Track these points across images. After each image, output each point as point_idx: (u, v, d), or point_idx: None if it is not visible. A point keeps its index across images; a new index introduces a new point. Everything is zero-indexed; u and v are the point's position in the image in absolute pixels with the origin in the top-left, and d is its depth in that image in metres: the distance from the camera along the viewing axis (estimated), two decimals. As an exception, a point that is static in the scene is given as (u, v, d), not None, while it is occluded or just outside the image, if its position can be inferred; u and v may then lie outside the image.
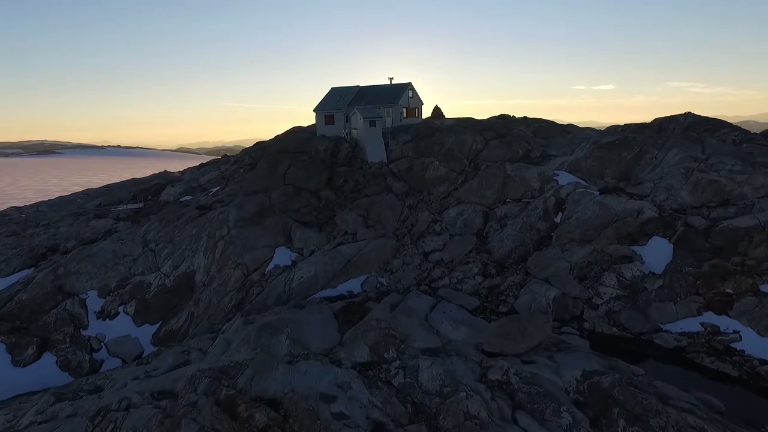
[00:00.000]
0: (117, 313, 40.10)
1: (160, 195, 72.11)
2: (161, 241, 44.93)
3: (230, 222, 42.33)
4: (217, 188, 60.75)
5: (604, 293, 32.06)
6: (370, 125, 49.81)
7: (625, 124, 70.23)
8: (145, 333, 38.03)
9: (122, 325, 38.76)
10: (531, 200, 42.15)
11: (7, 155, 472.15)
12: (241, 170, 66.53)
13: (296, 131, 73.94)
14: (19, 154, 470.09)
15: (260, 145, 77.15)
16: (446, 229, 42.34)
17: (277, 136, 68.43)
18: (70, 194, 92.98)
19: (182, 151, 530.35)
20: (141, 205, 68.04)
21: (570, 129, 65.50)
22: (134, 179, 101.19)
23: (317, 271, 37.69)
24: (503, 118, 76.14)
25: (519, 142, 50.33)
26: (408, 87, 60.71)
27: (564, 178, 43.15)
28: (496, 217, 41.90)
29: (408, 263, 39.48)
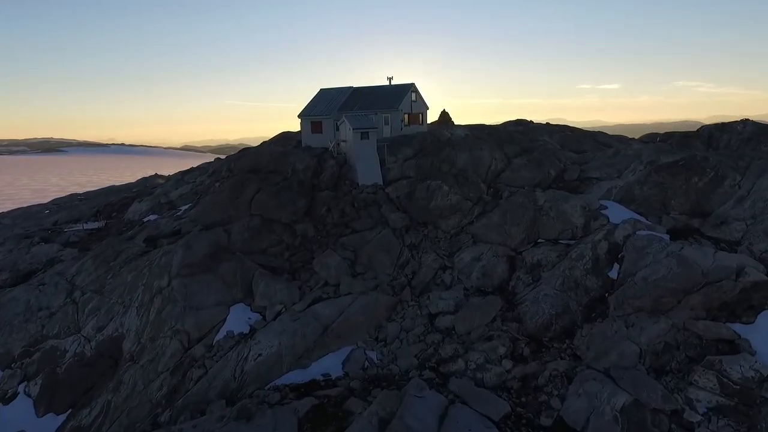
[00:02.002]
0: (15, 395, 29.32)
1: (125, 212, 61.04)
2: (89, 289, 34.05)
3: (173, 269, 31.36)
4: (187, 206, 49.78)
5: (700, 402, 20.94)
6: (361, 137, 38.69)
7: (666, 133, 58.87)
8: (46, 429, 27.20)
9: (18, 414, 27.99)
10: (572, 242, 30.91)
11: (11, 153, 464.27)
12: (217, 184, 55.65)
13: (284, 137, 63.04)
14: (24, 152, 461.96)
15: (245, 153, 66.20)
16: (459, 279, 31.21)
17: (247, 150, 57.45)
18: (39, 205, 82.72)
19: (187, 149, 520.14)
20: (102, 224, 57.03)
21: (603, 138, 54.14)
22: (113, 186, 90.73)
23: (282, 346, 26.71)
24: (522, 124, 64.82)
25: (549, 161, 39.06)
26: (410, 89, 49.51)
27: (616, 213, 31.90)
28: (525, 264, 30.70)
29: (408, 329, 28.42)
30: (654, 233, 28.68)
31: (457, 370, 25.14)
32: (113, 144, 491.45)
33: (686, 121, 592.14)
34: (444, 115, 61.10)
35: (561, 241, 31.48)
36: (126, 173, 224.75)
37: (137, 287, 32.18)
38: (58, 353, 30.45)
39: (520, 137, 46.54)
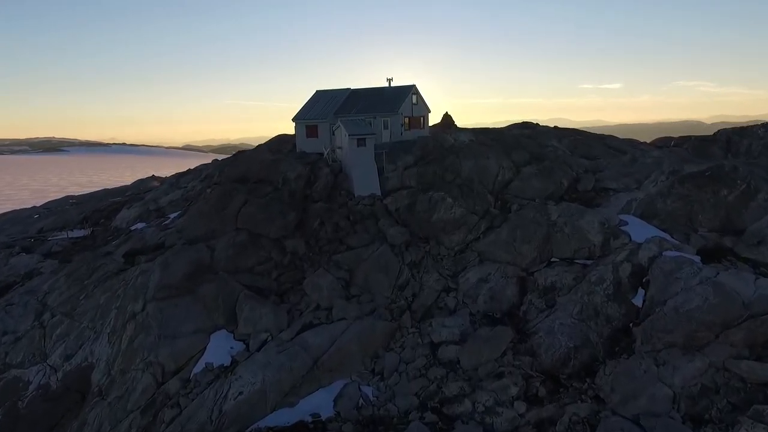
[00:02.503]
0: (-28, 433, 26.20)
1: (114, 218, 57.93)
2: (59, 311, 30.98)
3: (149, 291, 28.24)
4: (176, 214, 46.68)
5: (747, 462, 17.79)
6: (358, 144, 35.51)
7: (680, 137, 55.59)
8: (2, 475, 24.13)
9: (-28, 457, 24.89)
10: (590, 262, 27.73)
11: (13, 152, 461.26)
12: (208, 190, 52.53)
13: (280, 140, 59.92)
14: (25, 152, 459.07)
15: (236, 159, 63.06)
16: (464, 303, 28.05)
17: (242, 153, 54.30)
18: (33, 207, 79.86)
19: (188, 149, 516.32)
20: (88, 232, 53.94)
21: (614, 143, 50.86)
22: (106, 189, 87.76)
23: (266, 382, 23.63)
24: (528, 127, 61.52)
25: (561, 169, 35.83)
26: (411, 90, 46.33)
27: (638, 229, 28.72)
28: (538, 287, 27.52)
29: (407, 361, 25.32)
30: (683, 254, 25.49)
31: (463, 413, 22.03)
32: (114, 144, 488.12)
33: (688, 120, 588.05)
34: (446, 118, 57.91)
35: (577, 261, 28.29)
36: (126, 173, 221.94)
37: (110, 311, 29.09)
38: (21, 385, 27.36)
39: (527, 142, 43.34)
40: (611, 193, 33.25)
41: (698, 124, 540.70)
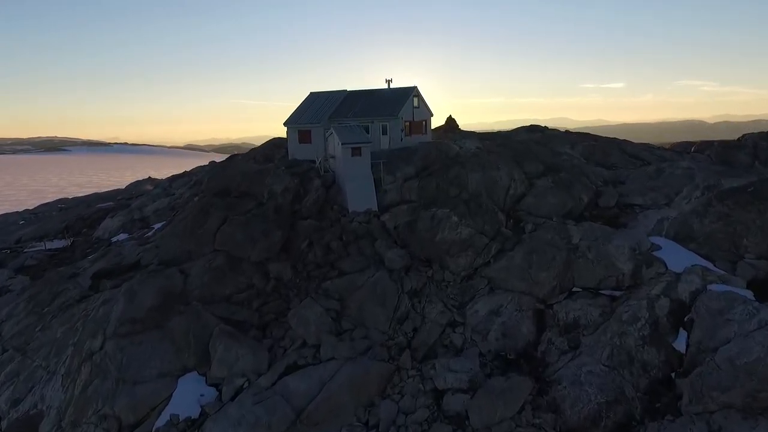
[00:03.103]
0: None
1: (97, 228, 54.05)
2: (11, 345, 27.09)
3: (110, 325, 24.33)
4: (160, 225, 42.77)
5: None
6: (352, 154, 31.49)
7: (702, 142, 51.40)
8: None
9: None
10: (618, 294, 23.72)
11: (16, 152, 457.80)
12: (196, 198, 48.63)
13: (274, 144, 56.01)
14: (27, 151, 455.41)
15: (226, 165, 59.11)
16: (472, 340, 24.08)
17: (235, 157, 50.33)
18: (21, 211, 76.22)
19: (190, 149, 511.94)
20: (68, 243, 50.10)
21: (631, 149, 46.73)
22: (97, 193, 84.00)
23: (239, 441, 19.69)
24: (536, 130, 57.49)
25: (580, 182, 31.75)
26: (412, 93, 42.31)
27: (673, 255, 24.69)
28: (558, 322, 23.54)
29: (407, 411, 21.41)
30: (732, 289, 21.48)
31: (473, 486, 18.10)
32: (116, 143, 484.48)
33: (691, 120, 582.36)
34: (450, 122, 53.86)
35: (603, 292, 24.28)
36: (126, 173, 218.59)
37: (66, 347, 25.20)
38: (-39, 435, 23.53)
39: (539, 150, 39.27)
40: (637, 210, 29.20)
41: (701, 123, 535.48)
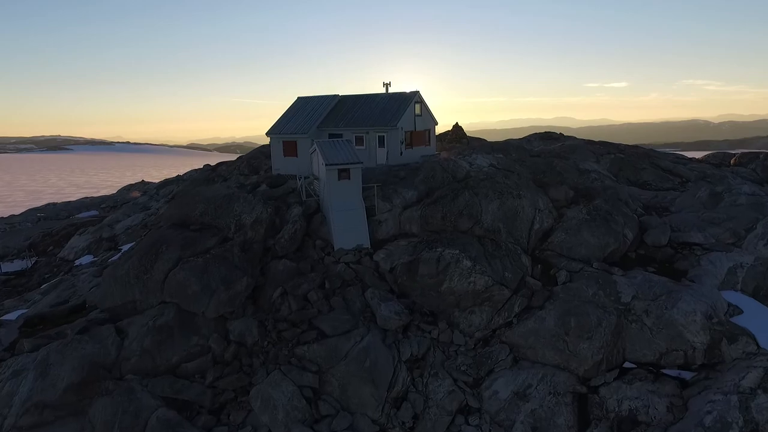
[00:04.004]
0: None
1: (64, 246, 48.01)
2: None
3: (10, 412, 18.12)
4: (129, 246, 36.55)
5: None
6: (339, 176, 25.15)
7: (743, 153, 44.92)
8: None
9: None
10: (691, 376, 17.41)
11: (19, 150, 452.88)
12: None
13: (262, 153, 49.92)
14: (30, 150, 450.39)
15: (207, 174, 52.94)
16: (491, 435, 17.80)
17: (220, 165, 43.94)
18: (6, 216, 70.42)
19: (193, 148, 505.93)
20: (29, 264, 44.07)
21: (663, 162, 40.23)
22: (85, 199, 78.11)
23: None
24: (551, 137, 51.16)
25: (620, 212, 25.23)
26: (413, 99, 36.01)
27: (761, 322, 18.31)
28: (608, 414, 17.23)
29: None
30: None
31: None
32: (118, 142, 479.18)
33: (695, 119, 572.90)
34: (457, 130, 47.50)
35: (667, 372, 17.95)
36: (126, 173, 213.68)
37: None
38: None
39: (562, 166, 32.90)
40: (697, 251, 22.78)
41: (706, 123, 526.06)
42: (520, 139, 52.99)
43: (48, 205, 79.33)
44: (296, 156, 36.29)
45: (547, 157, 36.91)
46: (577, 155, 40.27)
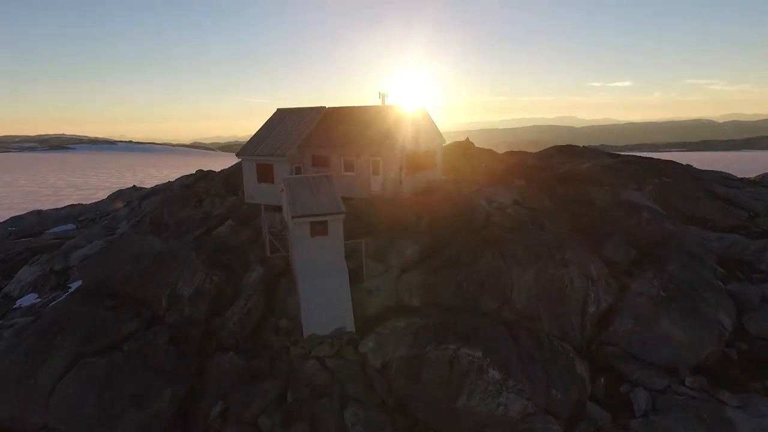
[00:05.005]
0: None
1: (14, 276, 40.35)
2: None
3: None
4: (79, 283, 29.13)
5: None
6: (312, 232, 17.74)
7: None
8: None
9: None
10: None
11: (22, 149, 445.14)
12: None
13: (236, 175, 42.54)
14: (33, 149, 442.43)
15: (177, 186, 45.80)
16: None
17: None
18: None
19: (195, 147, 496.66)
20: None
21: (720, 188, 32.65)
22: (70, 207, 71.27)
23: None
24: (573, 153, 43.57)
25: (707, 286, 17.69)
26: (416, 114, 28.64)
27: None
28: None
29: None
30: None
31: None
32: (121, 141, 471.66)
33: (699, 119, 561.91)
34: (466, 146, 39.97)
35: None
36: (126, 174, 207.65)
37: None
38: None
39: (603, 200, 25.48)
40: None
41: (711, 123, 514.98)
42: (539, 152, 45.45)
43: (33, 212, 72.47)
44: (272, 182, 29.05)
45: (578, 184, 29.48)
46: (614, 179, 32.86)
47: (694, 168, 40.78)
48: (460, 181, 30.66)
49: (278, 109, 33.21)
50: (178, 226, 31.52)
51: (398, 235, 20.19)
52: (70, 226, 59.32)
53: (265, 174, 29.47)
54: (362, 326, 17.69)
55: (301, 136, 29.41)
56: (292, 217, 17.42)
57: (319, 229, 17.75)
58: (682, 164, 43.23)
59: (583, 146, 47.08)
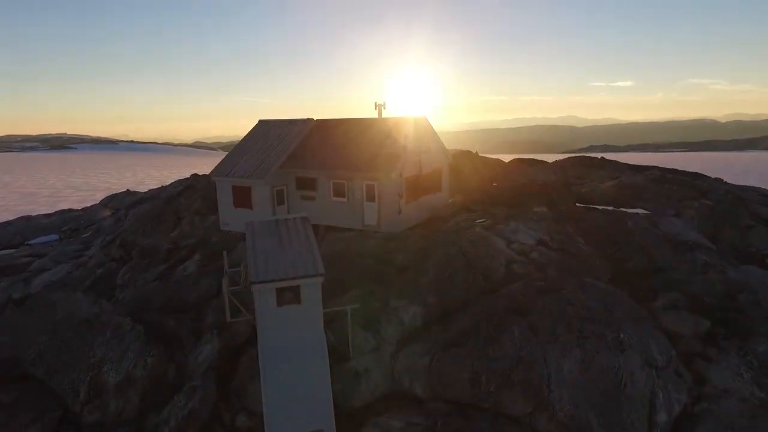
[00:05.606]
0: None
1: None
2: None
3: None
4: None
5: None
6: (278, 301, 13.15)
7: None
8: None
9: None
10: None
11: (24, 149, 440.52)
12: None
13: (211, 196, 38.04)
14: (35, 148, 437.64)
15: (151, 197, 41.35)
16: None
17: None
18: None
19: (197, 146, 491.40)
20: None
21: (761, 209, 27.90)
22: (70, 210, 67.23)
23: None
24: (585, 163, 38.79)
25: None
26: (418, 128, 24.00)
27: None
28: None
29: None
30: None
31: None
32: (123, 141, 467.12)
33: (702, 119, 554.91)
34: (469, 157, 35.24)
35: None
36: (126, 174, 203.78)
37: None
38: None
39: (644, 238, 20.83)
40: None
41: (713, 123, 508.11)
42: (552, 164, 40.73)
43: (22, 218, 68.25)
44: (251, 208, 24.54)
45: (610, 213, 24.79)
46: (646, 201, 28.21)
47: (733, 185, 35.95)
48: (468, 203, 26.04)
49: (260, 121, 28.57)
50: (140, 258, 26.89)
51: (395, 292, 15.53)
52: (53, 237, 54.35)
53: (242, 198, 24.96)
54: (346, 425, 13.06)
55: (285, 154, 24.80)
56: (251, 283, 12.75)
57: (288, 297, 13.08)
58: (713, 178, 38.41)
59: (601, 157, 42.35)
